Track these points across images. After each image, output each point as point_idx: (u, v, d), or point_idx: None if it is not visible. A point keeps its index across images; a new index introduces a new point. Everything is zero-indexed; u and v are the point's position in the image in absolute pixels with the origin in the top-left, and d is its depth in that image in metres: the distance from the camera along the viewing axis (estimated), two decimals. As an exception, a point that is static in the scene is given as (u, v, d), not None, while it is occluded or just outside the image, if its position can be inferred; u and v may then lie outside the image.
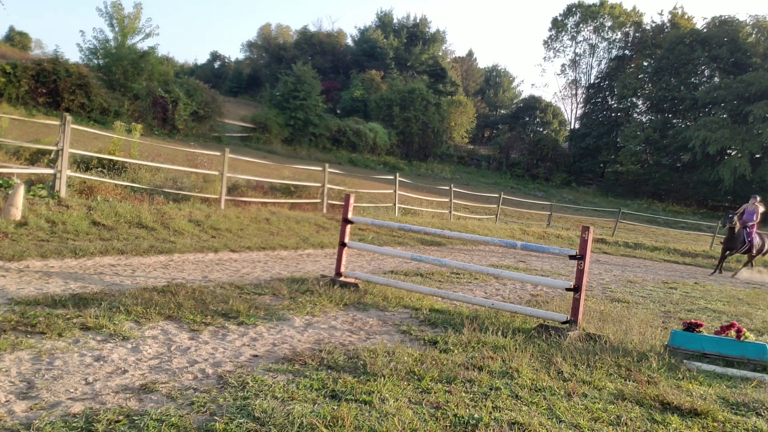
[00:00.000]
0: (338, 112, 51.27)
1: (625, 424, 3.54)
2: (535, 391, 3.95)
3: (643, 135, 51.32)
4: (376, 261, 10.21)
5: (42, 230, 8.34)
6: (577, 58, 62.57)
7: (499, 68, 75.82)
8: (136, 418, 2.97)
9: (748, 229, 14.59)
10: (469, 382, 3.98)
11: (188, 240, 9.53)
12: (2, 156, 12.50)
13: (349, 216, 7.12)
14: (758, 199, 14.80)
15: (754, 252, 15.08)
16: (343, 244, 7.14)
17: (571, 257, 5.74)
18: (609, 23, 59.82)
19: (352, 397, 3.48)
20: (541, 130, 59.24)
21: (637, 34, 58.60)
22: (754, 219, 14.70)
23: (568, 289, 5.83)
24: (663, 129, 50.91)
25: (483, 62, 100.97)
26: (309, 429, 2.98)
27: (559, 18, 62.05)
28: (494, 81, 74.27)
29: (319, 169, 16.95)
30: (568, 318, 5.71)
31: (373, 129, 43.81)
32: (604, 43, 60.71)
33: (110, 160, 12.43)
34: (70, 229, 8.64)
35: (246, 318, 5.11)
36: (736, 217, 14.45)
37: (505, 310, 6.29)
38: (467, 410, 3.45)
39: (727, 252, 14.98)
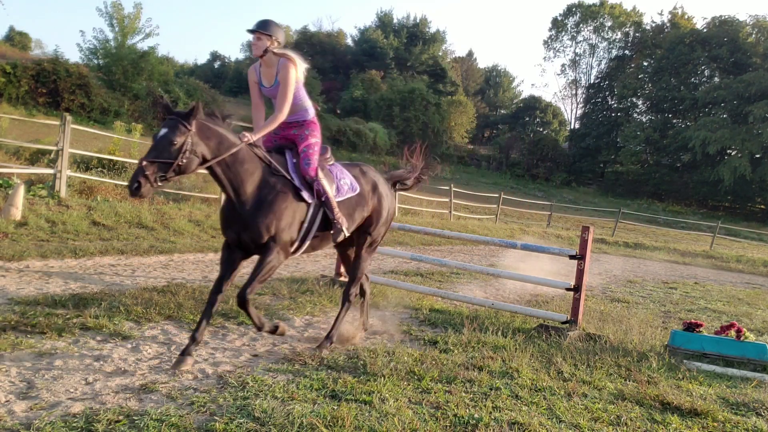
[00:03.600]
0: (338, 112, 51.21)
1: (625, 424, 3.54)
2: (535, 391, 3.95)
3: (643, 135, 51.29)
4: (376, 261, 10.20)
5: (42, 230, 8.34)
6: (577, 58, 62.51)
7: (499, 68, 75.67)
8: (136, 418, 2.97)
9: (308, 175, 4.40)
10: (469, 382, 3.98)
11: (188, 240, 9.52)
12: (2, 156, 12.50)
13: (349, 216, 7.09)
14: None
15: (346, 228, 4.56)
16: (343, 244, 7.11)
17: (571, 257, 5.74)
18: (609, 23, 59.74)
19: (352, 397, 3.48)
20: (541, 130, 59.17)
21: (637, 34, 58.55)
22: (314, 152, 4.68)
23: (568, 289, 5.83)
24: (663, 129, 50.88)
25: (483, 62, 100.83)
26: (309, 429, 2.97)
27: (559, 18, 61.99)
28: (494, 81, 74.17)
29: (319, 169, 16.91)
30: (568, 318, 5.71)
31: (373, 129, 43.78)
32: (604, 43, 60.65)
33: (110, 160, 12.42)
34: (70, 229, 8.64)
35: (246, 318, 5.10)
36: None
37: (505, 310, 6.29)
38: (467, 410, 3.45)
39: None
